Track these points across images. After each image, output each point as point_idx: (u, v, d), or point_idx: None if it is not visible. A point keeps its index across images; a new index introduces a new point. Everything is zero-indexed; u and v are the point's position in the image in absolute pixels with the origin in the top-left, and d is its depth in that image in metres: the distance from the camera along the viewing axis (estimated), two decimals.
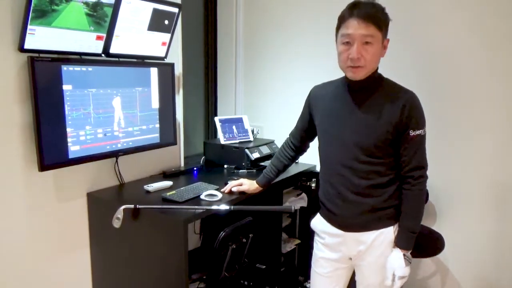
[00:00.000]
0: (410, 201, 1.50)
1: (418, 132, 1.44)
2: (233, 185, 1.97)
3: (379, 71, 1.50)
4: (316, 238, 1.71)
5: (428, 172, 1.50)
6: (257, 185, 1.96)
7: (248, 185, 1.96)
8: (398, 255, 1.51)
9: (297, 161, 2.25)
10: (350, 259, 1.62)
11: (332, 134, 1.56)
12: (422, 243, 1.97)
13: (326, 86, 1.65)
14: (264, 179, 1.94)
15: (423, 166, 1.49)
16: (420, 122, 1.45)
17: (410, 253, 1.53)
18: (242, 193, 1.96)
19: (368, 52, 1.39)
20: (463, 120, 2.12)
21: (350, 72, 1.44)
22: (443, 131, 2.16)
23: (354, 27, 1.37)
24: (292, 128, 1.87)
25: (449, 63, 2.12)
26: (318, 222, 1.68)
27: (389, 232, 1.53)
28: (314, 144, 1.86)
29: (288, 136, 1.89)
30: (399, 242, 1.52)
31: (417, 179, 1.48)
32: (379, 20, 1.38)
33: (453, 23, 2.09)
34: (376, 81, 1.49)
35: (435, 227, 2.21)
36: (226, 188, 1.98)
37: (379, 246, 1.53)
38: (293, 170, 2.35)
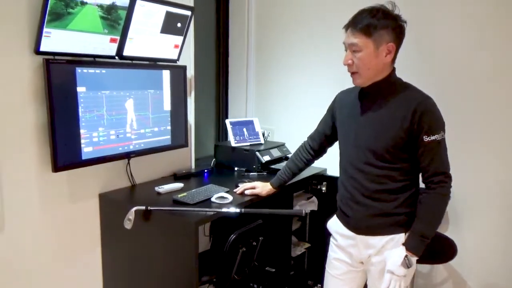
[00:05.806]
0: (426, 202, 1.46)
1: (433, 137, 1.41)
2: (246, 187, 1.98)
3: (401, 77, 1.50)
4: (331, 239, 1.72)
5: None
6: (270, 187, 1.97)
7: (261, 187, 1.97)
8: (399, 252, 1.47)
9: None
10: (362, 263, 1.61)
11: (348, 138, 1.59)
12: (434, 249, 1.95)
13: (349, 92, 1.66)
14: (278, 181, 1.96)
15: (443, 172, 1.45)
16: (434, 127, 1.42)
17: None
18: (254, 195, 1.96)
19: (357, 58, 1.44)
20: (477, 124, 2.10)
21: (352, 78, 1.51)
22: (457, 135, 2.12)
23: (346, 36, 1.47)
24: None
25: (463, 66, 2.10)
26: (333, 223, 1.70)
27: (400, 239, 1.51)
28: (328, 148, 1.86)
29: (306, 139, 1.90)
30: (407, 242, 1.49)
31: (437, 183, 1.44)
32: (368, 27, 1.40)
33: (466, 24, 2.07)
34: (389, 86, 1.49)
35: (447, 233, 2.18)
36: (239, 189, 1.99)
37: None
38: (303, 173, 2.33)
